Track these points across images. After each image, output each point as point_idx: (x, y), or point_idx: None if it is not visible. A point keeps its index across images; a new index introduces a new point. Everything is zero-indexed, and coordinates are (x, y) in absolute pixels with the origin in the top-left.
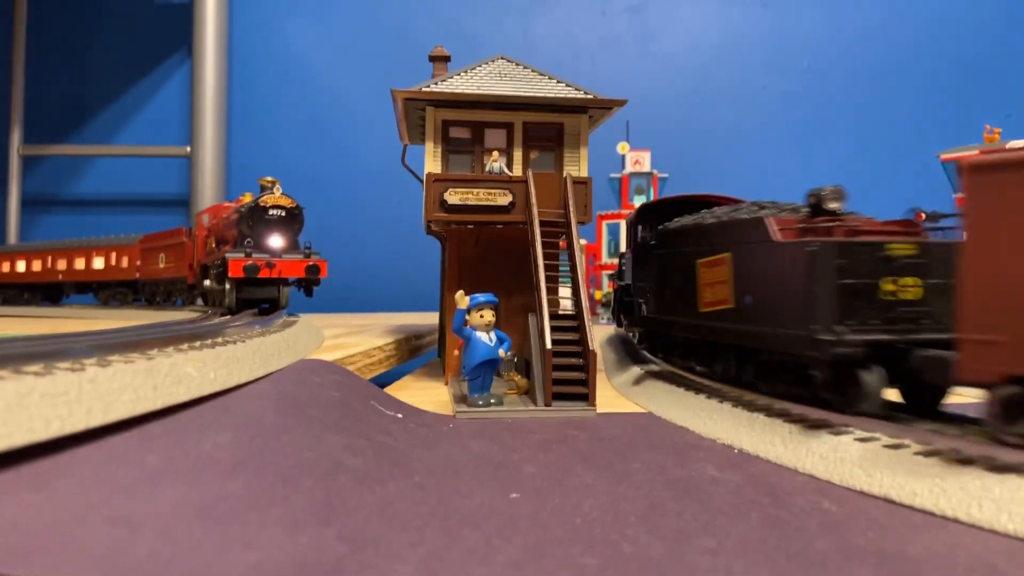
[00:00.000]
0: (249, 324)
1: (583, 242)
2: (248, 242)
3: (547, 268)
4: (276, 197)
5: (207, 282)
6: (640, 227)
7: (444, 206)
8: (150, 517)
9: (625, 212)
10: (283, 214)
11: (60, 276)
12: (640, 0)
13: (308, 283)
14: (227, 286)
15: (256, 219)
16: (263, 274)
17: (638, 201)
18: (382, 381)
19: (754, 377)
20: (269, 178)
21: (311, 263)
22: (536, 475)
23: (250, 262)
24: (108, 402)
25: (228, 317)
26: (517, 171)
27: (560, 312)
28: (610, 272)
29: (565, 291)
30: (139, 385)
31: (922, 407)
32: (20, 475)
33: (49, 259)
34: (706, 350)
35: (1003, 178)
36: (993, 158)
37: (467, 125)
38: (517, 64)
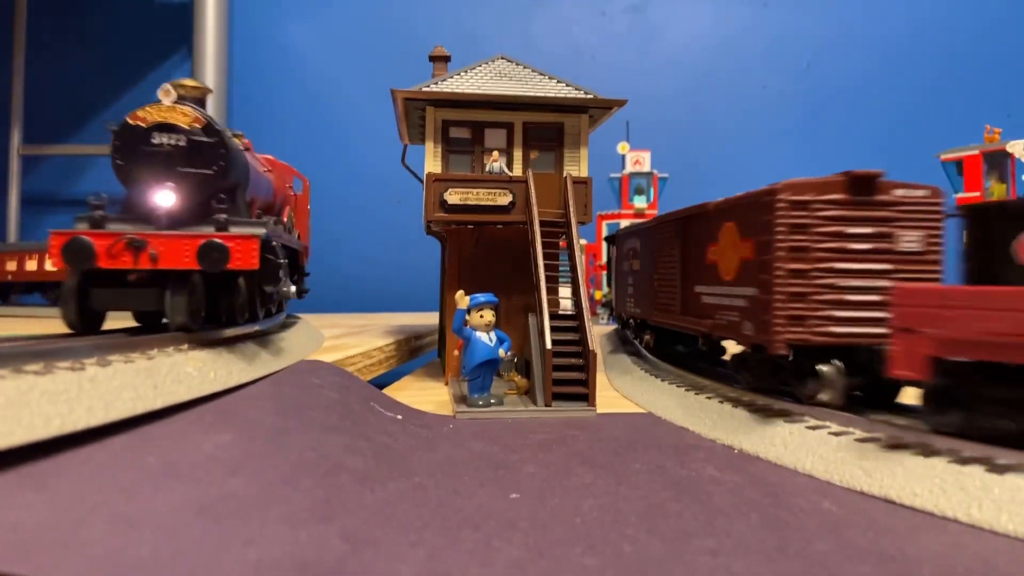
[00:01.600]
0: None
1: (583, 242)
2: (94, 197)
3: (547, 268)
4: (164, 110)
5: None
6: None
7: (444, 206)
8: (151, 516)
9: (625, 212)
10: (181, 144)
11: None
12: (640, 0)
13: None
14: (66, 284)
15: (129, 152)
16: (112, 263)
17: (638, 201)
18: (382, 382)
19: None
20: (187, 81)
21: (209, 240)
22: (536, 475)
23: (78, 238)
24: (108, 400)
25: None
26: (517, 171)
27: (560, 312)
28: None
29: (565, 291)
30: (139, 384)
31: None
32: (21, 475)
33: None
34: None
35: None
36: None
37: (467, 125)
38: (517, 64)
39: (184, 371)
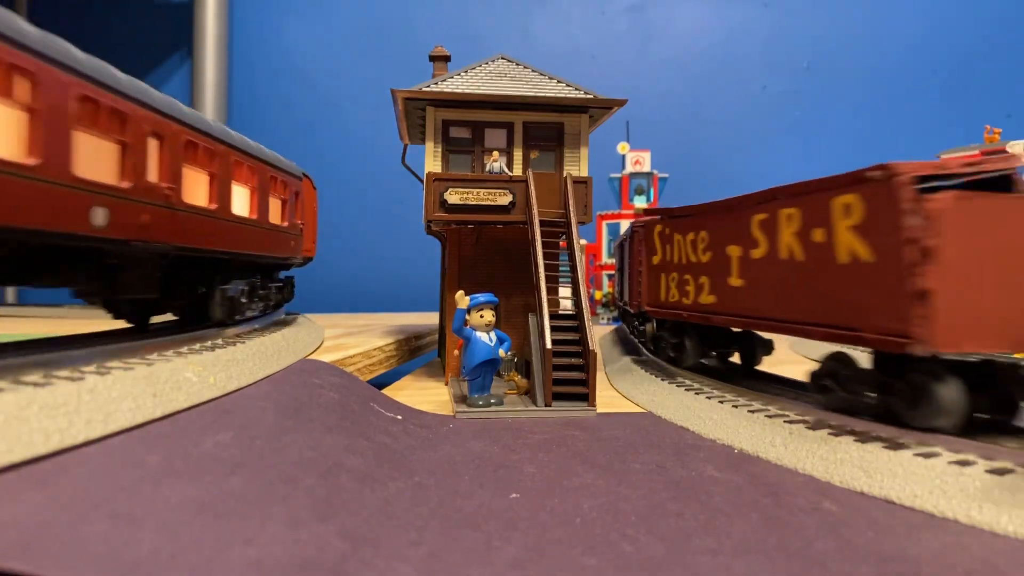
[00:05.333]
0: (248, 323)
1: (583, 242)
2: None
3: (547, 268)
4: None
5: None
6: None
7: (444, 206)
8: (151, 514)
9: (625, 212)
10: None
11: None
12: (640, 0)
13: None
14: None
15: None
16: None
17: (638, 201)
18: (382, 381)
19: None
20: None
21: None
22: (536, 475)
23: None
24: (108, 412)
25: None
26: (517, 171)
27: (560, 312)
28: (610, 272)
29: (565, 291)
30: (139, 393)
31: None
32: (23, 473)
33: None
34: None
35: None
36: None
37: (467, 125)
38: (517, 64)
39: (184, 377)
